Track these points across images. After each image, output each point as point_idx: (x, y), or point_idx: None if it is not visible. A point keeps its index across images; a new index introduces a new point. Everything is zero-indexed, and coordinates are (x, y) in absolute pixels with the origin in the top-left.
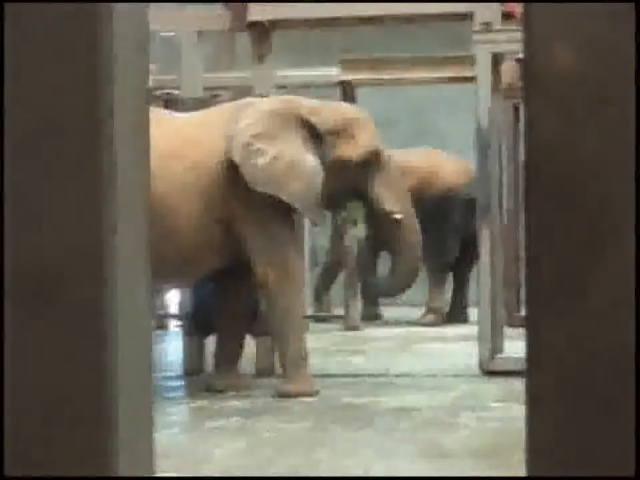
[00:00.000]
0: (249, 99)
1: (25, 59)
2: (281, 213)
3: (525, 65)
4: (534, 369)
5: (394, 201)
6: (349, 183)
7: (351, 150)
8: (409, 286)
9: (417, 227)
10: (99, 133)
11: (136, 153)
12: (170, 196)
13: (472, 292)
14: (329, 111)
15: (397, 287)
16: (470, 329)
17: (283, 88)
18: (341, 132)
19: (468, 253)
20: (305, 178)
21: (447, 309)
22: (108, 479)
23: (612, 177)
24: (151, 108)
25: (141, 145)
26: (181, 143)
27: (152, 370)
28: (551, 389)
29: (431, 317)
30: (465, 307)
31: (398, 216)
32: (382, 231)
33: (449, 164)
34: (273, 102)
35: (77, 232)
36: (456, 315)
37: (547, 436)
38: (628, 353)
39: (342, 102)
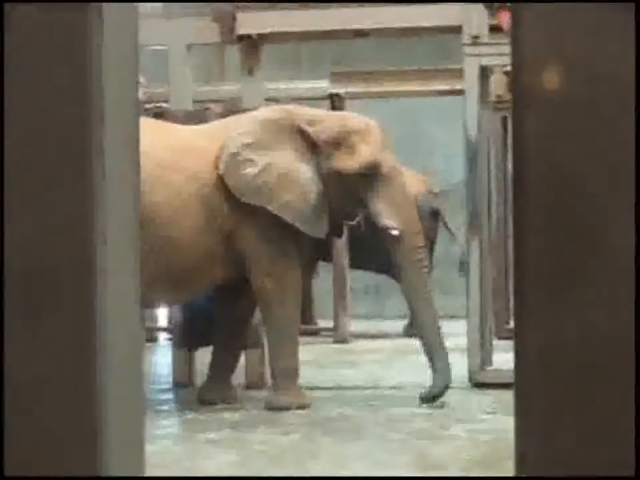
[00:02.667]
0: (252, 113)
1: (13, 70)
2: (280, 224)
3: (514, 80)
4: (521, 377)
5: (393, 215)
6: (350, 194)
7: (350, 162)
8: (430, 302)
9: (419, 244)
10: (90, 145)
11: (126, 164)
12: (171, 207)
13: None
14: (329, 121)
15: (422, 314)
16: (459, 341)
17: (273, 100)
18: (341, 143)
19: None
20: (296, 189)
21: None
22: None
23: (600, 187)
24: (147, 119)
25: (131, 156)
26: (183, 153)
27: (143, 380)
28: (538, 395)
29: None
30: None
31: (395, 232)
32: (382, 246)
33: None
34: (271, 110)
35: (68, 242)
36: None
37: (535, 442)
38: (617, 359)
39: (348, 112)
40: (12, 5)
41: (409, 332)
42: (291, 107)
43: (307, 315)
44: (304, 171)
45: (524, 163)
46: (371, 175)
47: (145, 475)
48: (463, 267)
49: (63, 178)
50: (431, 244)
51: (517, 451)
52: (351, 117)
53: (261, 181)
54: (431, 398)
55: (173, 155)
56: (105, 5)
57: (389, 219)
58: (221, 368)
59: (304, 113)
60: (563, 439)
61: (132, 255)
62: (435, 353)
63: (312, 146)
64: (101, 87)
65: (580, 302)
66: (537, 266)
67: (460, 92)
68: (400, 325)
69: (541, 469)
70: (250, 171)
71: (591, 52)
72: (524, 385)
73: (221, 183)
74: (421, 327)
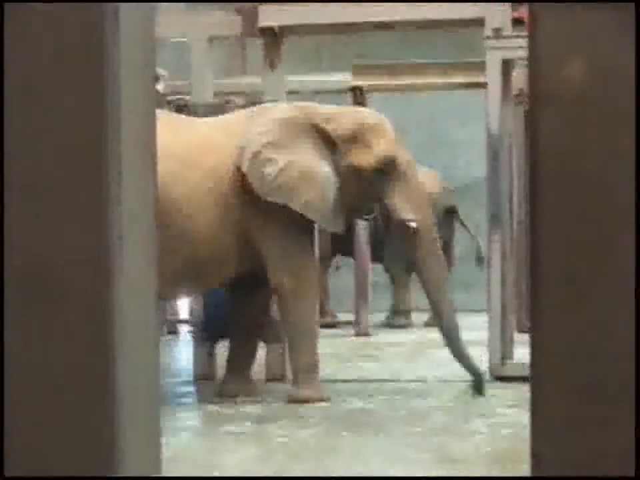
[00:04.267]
0: (265, 105)
1: (29, 70)
2: (297, 220)
3: (532, 77)
4: (538, 374)
5: (410, 210)
6: (366, 190)
7: (366, 158)
8: (448, 295)
9: (435, 236)
10: (106, 143)
11: (142, 163)
12: (187, 202)
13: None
14: (345, 118)
15: (441, 307)
16: (481, 335)
17: (294, 94)
18: (357, 139)
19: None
20: (317, 186)
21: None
22: (112, 479)
23: (616, 186)
24: (169, 113)
25: (147, 154)
26: (199, 149)
27: (160, 378)
28: (554, 392)
29: (400, 320)
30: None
31: (413, 224)
32: (400, 240)
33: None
34: (287, 109)
35: (84, 240)
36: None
37: (550, 438)
38: (630, 357)
39: (362, 108)
40: (21, 4)
41: (431, 324)
42: (307, 104)
43: (323, 309)
44: (323, 168)
45: (540, 162)
46: (387, 171)
47: (161, 475)
48: (481, 260)
49: (78, 177)
50: (447, 241)
51: (532, 452)
52: (365, 113)
53: (282, 180)
54: (479, 388)
55: (191, 150)
56: (121, 5)
57: (406, 213)
58: (239, 361)
59: (321, 110)
60: (578, 439)
61: (150, 253)
62: (458, 342)
63: (330, 143)
64: (118, 88)
65: (597, 304)
66: (553, 265)
67: (482, 85)
68: (422, 317)
69: (556, 469)
70: (271, 169)
71: (608, 50)
72: (539, 386)
73: (237, 179)
74: (440, 317)
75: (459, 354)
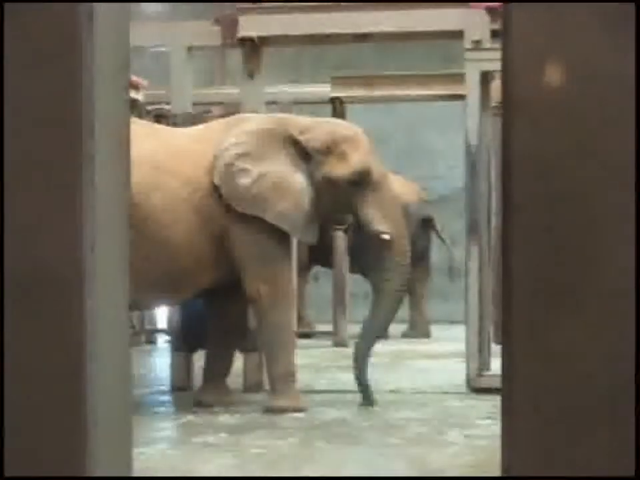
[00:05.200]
0: (243, 115)
1: (8, 72)
2: (273, 229)
3: (505, 84)
4: (509, 385)
5: (383, 221)
6: (340, 201)
7: (341, 169)
8: (396, 310)
9: (407, 248)
10: (79, 150)
11: (116, 169)
12: (165, 211)
13: (456, 309)
14: (320, 129)
15: (382, 315)
16: (458, 346)
17: (273, 104)
18: (332, 150)
19: (420, 270)
20: (291, 198)
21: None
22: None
23: (595, 197)
24: (148, 122)
25: (121, 161)
26: (177, 157)
27: (130, 381)
28: (526, 403)
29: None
30: (427, 323)
31: (386, 236)
32: (371, 251)
33: (397, 184)
34: (263, 120)
35: (56, 247)
36: (418, 330)
37: (522, 449)
38: (605, 364)
39: (336, 119)
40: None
41: (408, 335)
42: (283, 115)
43: (301, 319)
44: (297, 179)
45: (512, 168)
46: (361, 182)
47: (131, 475)
48: (453, 271)
49: (51, 183)
50: (424, 251)
51: (502, 464)
52: (340, 125)
53: (255, 191)
54: (368, 397)
55: (169, 159)
56: (95, 6)
57: (379, 224)
58: (216, 371)
59: (295, 121)
60: (549, 452)
61: (122, 259)
62: (366, 357)
63: (304, 154)
64: (91, 91)
65: (569, 314)
66: (526, 278)
67: (462, 97)
68: (399, 329)
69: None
70: (244, 181)
71: (584, 53)
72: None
73: (214, 189)
74: (370, 328)
75: (359, 363)
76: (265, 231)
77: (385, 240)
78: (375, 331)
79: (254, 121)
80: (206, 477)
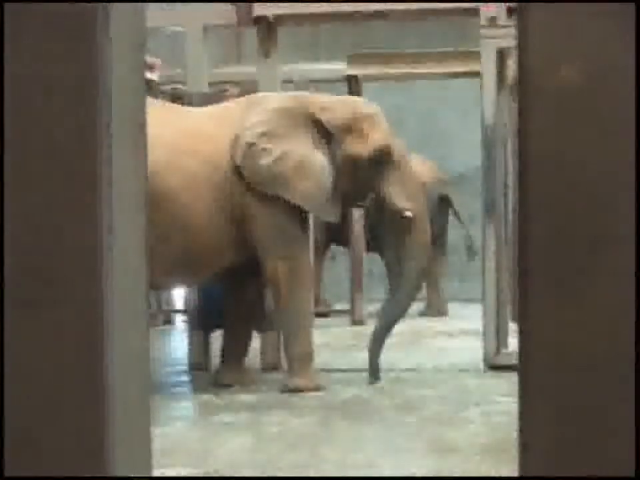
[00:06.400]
0: (262, 94)
1: (20, 66)
2: (292, 209)
3: (521, 73)
4: (526, 365)
5: (405, 199)
6: (361, 180)
7: (362, 147)
8: (417, 289)
9: (428, 227)
10: (96, 135)
11: (133, 154)
12: (182, 192)
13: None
14: (339, 108)
15: (404, 295)
16: (475, 324)
17: (289, 83)
18: (352, 129)
19: (437, 249)
20: (313, 177)
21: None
22: (108, 479)
23: (607, 185)
24: (164, 102)
25: (138, 142)
26: (195, 138)
27: (149, 367)
28: (543, 384)
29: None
30: (444, 302)
31: (408, 214)
32: (392, 230)
33: (414, 163)
34: (282, 99)
35: (74, 232)
36: (435, 308)
37: (539, 433)
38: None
39: (355, 97)
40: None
41: (425, 314)
42: (302, 93)
43: (318, 298)
44: (318, 158)
45: (529, 156)
46: (382, 160)
47: (151, 465)
48: (471, 251)
49: (69, 169)
50: (441, 230)
51: (520, 440)
52: (360, 103)
53: (277, 171)
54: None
55: (186, 139)
56: None
57: (401, 203)
58: (234, 351)
59: (315, 100)
60: (566, 429)
61: (141, 244)
62: (384, 337)
63: (325, 133)
64: (108, 72)
65: (585, 295)
66: (542, 257)
67: (478, 74)
68: (416, 307)
69: (543, 459)
70: (266, 160)
71: (603, 42)
72: (529, 376)
73: (234, 168)
74: (391, 309)
75: (375, 345)
76: (285, 211)
77: (406, 218)
78: (397, 312)
79: (274, 100)
80: (205, 476)
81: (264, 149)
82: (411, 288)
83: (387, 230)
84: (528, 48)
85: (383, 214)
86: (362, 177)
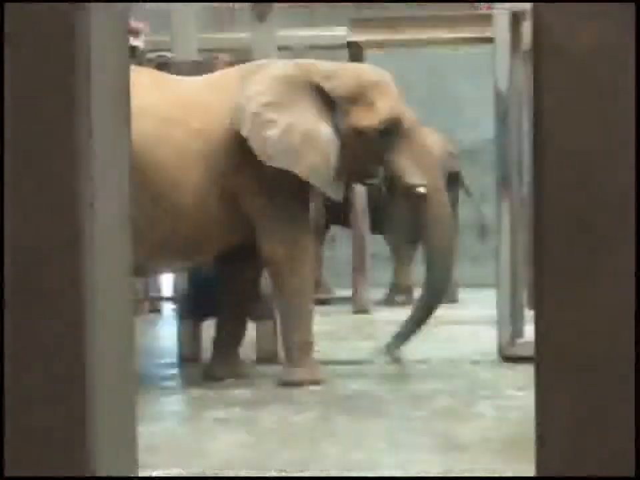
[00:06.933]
0: (260, 61)
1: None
2: (293, 186)
3: (536, 28)
4: (542, 358)
5: (418, 173)
6: (369, 153)
7: (369, 118)
8: (449, 269)
9: (446, 200)
10: (73, 99)
11: (115, 123)
12: (171, 166)
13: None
14: (345, 75)
15: (437, 278)
16: (489, 312)
17: (285, 50)
18: (358, 98)
19: None
20: (319, 150)
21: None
22: (98, 479)
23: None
24: (152, 70)
25: (120, 116)
26: (186, 108)
27: (135, 361)
28: (559, 378)
29: (401, 297)
30: (454, 287)
31: (422, 189)
32: (406, 207)
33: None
34: (284, 66)
35: (53, 208)
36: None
37: (556, 426)
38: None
39: (361, 64)
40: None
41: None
42: (305, 60)
43: (318, 283)
44: (324, 130)
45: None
46: (391, 131)
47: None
48: (484, 232)
49: (49, 144)
50: (451, 209)
51: (537, 435)
52: (366, 69)
53: (285, 143)
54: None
55: (177, 109)
56: None
57: (413, 177)
58: (227, 341)
59: (318, 67)
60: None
61: (122, 225)
62: (422, 316)
63: (330, 103)
64: (88, 36)
65: (600, 281)
66: (559, 248)
67: (491, 40)
68: None
69: (561, 455)
70: (272, 132)
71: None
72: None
73: (228, 141)
74: (427, 287)
75: (409, 330)
76: (283, 188)
77: (420, 194)
78: (433, 300)
79: (274, 68)
80: (196, 476)
81: (269, 120)
82: (440, 270)
83: (397, 209)
84: (544, 9)
85: (392, 191)
86: (369, 150)
